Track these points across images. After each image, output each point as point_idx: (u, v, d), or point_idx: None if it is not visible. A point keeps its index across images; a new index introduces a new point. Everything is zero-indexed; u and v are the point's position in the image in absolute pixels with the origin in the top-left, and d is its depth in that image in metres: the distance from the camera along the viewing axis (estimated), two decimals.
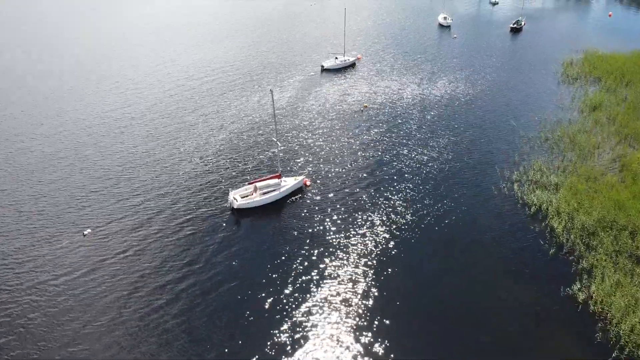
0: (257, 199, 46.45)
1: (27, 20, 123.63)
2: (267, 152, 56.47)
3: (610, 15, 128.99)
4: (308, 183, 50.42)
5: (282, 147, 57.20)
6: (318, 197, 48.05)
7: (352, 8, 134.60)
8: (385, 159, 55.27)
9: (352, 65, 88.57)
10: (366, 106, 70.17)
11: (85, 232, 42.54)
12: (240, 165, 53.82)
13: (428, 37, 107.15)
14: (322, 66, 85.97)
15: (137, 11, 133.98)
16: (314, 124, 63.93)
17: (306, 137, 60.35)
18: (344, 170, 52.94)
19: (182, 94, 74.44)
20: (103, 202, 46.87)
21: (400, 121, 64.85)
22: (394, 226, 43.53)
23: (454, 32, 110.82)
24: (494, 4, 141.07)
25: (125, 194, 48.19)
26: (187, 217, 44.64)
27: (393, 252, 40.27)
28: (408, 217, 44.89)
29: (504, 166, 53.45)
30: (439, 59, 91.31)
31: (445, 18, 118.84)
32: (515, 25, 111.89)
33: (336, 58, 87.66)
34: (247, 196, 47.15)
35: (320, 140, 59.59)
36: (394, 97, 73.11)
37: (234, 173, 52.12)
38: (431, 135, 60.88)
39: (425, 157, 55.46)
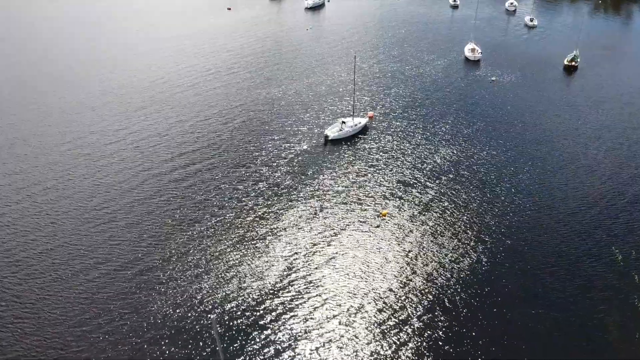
0: None
1: None
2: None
3: None
4: None
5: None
6: None
7: (355, 38, 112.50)
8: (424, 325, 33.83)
9: (364, 129, 67.46)
10: (385, 214, 48.75)
11: None
12: None
13: (456, 80, 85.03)
14: (327, 136, 64.85)
15: (93, 43, 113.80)
16: (309, 275, 42.49)
17: (297, 313, 39.00)
18: None
19: (109, 202, 53.33)
20: None
21: (435, 250, 43.33)
22: None
23: (491, 73, 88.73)
24: (532, 27, 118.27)
25: None
26: None
27: None
28: None
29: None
30: (476, 123, 69.13)
31: (473, 50, 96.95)
32: (572, 63, 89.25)
33: (343, 122, 66.62)
34: None
35: (320, 313, 38.26)
36: (421, 195, 51.71)
37: None
38: (488, 284, 39.38)
39: (483, 332, 33.93)
